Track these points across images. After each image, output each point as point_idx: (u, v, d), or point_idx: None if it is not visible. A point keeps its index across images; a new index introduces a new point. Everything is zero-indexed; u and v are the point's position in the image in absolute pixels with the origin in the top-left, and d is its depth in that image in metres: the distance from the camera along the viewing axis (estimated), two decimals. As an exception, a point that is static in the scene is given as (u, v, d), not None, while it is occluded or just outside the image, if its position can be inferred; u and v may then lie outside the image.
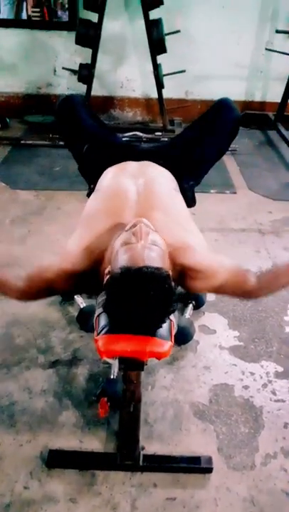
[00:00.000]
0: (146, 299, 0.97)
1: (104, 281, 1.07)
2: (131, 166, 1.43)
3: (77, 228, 1.31)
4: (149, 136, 3.52)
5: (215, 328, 1.83)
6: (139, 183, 1.33)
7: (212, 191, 2.83)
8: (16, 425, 1.43)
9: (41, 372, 1.61)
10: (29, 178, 2.95)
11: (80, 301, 1.82)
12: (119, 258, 1.05)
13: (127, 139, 3.44)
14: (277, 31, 3.43)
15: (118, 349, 1.07)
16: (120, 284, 0.98)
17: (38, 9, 3.77)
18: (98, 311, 1.13)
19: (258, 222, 2.57)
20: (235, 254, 2.27)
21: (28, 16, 3.72)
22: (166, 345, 1.06)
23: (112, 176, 1.43)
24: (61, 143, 3.48)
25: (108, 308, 1.04)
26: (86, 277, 1.21)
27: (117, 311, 1.02)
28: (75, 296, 1.85)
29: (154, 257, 1.04)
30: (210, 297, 1.97)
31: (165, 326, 1.08)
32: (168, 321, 1.10)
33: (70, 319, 1.83)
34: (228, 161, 3.24)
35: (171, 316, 1.10)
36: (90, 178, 1.62)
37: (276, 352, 1.73)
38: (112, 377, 1.50)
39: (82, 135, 1.64)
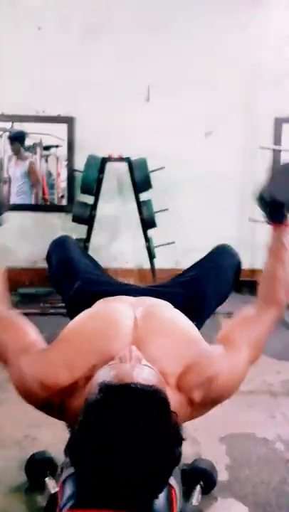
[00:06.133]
0: (135, 430, 0.65)
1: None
2: (128, 298, 1.26)
3: (59, 342, 1.10)
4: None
5: (232, 520, 1.37)
6: (138, 311, 1.14)
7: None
8: None
9: None
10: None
11: (53, 485, 1.40)
12: (98, 379, 0.77)
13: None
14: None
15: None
16: (97, 407, 0.69)
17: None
18: (65, 473, 0.79)
19: (267, 383, 2.28)
20: (247, 420, 1.92)
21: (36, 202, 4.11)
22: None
23: (107, 301, 1.25)
24: (51, 311, 3.43)
25: (76, 450, 0.69)
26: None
27: (87, 454, 0.67)
28: (47, 479, 1.43)
29: (146, 376, 0.77)
30: (222, 476, 1.55)
31: (162, 498, 0.72)
32: (166, 489, 0.73)
33: (37, 512, 1.38)
34: (224, 324, 3.10)
35: (172, 481, 0.75)
36: None
37: None
38: None
39: (73, 273, 1.51)
